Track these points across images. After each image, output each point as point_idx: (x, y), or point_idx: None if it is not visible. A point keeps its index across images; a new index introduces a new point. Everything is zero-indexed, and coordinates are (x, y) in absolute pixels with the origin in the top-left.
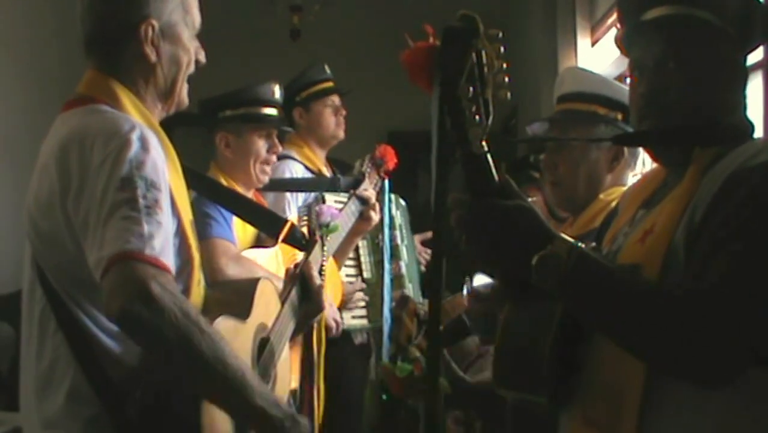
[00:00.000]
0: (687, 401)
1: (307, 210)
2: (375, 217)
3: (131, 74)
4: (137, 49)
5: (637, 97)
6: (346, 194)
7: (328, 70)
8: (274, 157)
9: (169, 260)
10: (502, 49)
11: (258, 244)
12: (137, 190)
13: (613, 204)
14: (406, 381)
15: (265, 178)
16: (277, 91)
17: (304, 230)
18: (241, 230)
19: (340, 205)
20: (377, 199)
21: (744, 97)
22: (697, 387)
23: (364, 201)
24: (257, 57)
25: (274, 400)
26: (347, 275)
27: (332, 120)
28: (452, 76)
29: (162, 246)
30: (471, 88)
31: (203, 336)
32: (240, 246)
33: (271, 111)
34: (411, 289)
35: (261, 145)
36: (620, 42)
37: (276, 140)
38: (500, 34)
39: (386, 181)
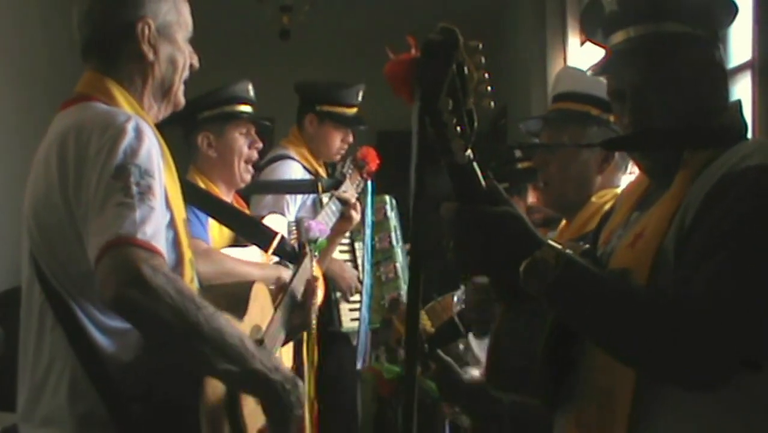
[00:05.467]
0: (678, 406)
1: (297, 225)
2: (356, 216)
3: (129, 73)
4: (135, 48)
5: (624, 128)
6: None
7: (360, 97)
8: (255, 154)
9: (162, 245)
10: (482, 59)
11: (235, 243)
12: (130, 178)
13: (606, 206)
14: (394, 383)
15: (248, 177)
16: (251, 90)
17: (294, 243)
18: (218, 231)
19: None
20: (359, 200)
21: (728, 94)
22: (686, 392)
23: (344, 201)
24: (247, 57)
25: (273, 364)
26: None
27: (337, 146)
28: (432, 90)
29: (154, 231)
30: (452, 101)
31: (200, 311)
32: (216, 247)
33: (248, 108)
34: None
35: (243, 142)
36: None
37: (256, 136)
38: (480, 45)
39: (369, 183)
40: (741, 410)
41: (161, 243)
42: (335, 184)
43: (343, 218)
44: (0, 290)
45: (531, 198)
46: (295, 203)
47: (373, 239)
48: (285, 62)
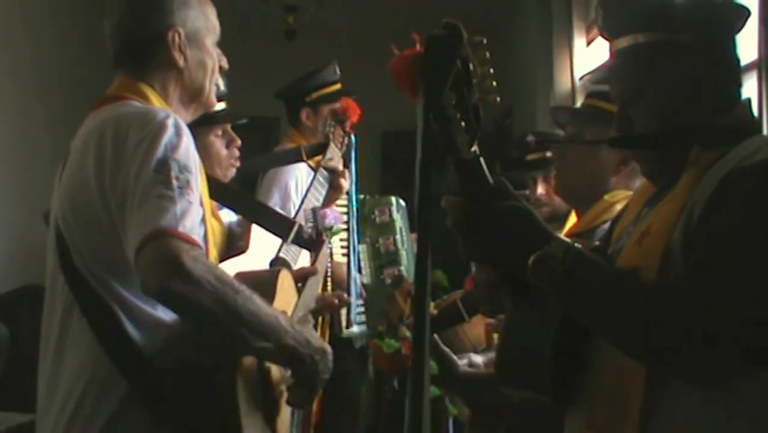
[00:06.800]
0: (688, 406)
1: (313, 214)
2: (345, 184)
3: (160, 80)
4: (165, 55)
5: (629, 129)
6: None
7: (338, 72)
8: (236, 152)
9: (199, 238)
10: (487, 54)
11: (230, 247)
12: (171, 172)
13: (617, 206)
14: (394, 358)
15: (233, 172)
16: (221, 84)
17: (311, 231)
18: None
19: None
20: (345, 157)
21: (737, 91)
22: (697, 391)
23: (331, 170)
24: (252, 57)
25: (305, 338)
26: None
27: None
28: (436, 85)
29: (193, 224)
30: (456, 95)
31: (237, 295)
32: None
33: (221, 105)
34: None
35: (219, 145)
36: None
37: (232, 133)
38: (484, 41)
39: (353, 137)
40: (750, 409)
41: (199, 237)
42: (318, 148)
43: (333, 187)
44: (2, 291)
45: (540, 189)
46: (300, 197)
47: (357, 193)
48: (290, 62)
